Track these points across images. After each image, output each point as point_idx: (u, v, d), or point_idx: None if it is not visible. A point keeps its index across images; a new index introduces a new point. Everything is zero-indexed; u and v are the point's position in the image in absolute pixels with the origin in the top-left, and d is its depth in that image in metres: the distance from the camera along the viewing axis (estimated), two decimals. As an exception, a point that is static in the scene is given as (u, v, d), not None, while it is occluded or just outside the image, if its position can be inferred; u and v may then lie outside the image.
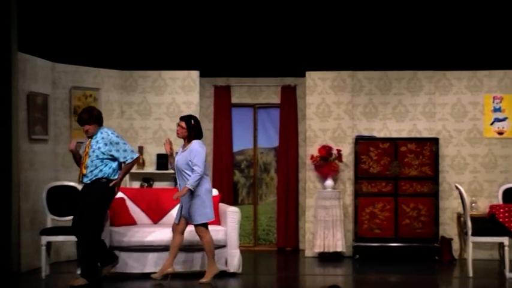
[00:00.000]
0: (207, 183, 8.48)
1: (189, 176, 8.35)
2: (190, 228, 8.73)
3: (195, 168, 8.32)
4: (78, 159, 8.42)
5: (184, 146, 8.54)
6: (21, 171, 9.24)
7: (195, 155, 8.35)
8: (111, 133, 8.40)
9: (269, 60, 11.36)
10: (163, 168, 10.73)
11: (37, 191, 9.44)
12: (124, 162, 8.37)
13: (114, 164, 8.34)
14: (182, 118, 8.57)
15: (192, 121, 8.52)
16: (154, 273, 8.55)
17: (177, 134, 8.56)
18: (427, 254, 10.44)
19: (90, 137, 8.34)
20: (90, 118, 8.30)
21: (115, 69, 10.95)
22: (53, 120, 10.07)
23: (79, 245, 8.35)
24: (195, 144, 8.45)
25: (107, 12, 10.85)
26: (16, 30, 9.02)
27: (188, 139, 8.50)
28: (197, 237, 8.65)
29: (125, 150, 8.35)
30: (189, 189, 8.32)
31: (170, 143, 8.62)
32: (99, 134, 8.34)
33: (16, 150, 9.02)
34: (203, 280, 8.45)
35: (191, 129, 8.48)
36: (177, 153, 8.64)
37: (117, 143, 8.33)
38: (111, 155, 8.30)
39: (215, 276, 8.56)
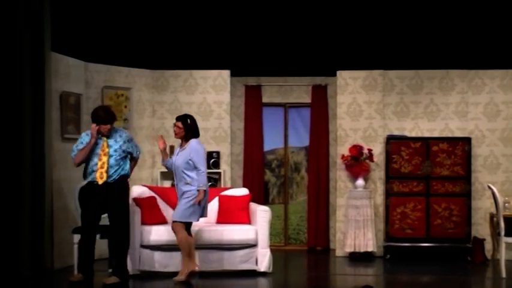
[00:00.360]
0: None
1: (188, 175, 8.36)
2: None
3: (198, 167, 8.34)
4: (88, 150, 8.30)
5: (181, 146, 8.55)
6: (54, 170, 9.34)
7: (196, 154, 8.37)
8: (125, 130, 8.62)
9: (300, 60, 11.34)
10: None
11: (69, 190, 9.52)
12: (136, 158, 8.57)
13: (129, 160, 8.50)
14: (178, 118, 8.57)
15: (188, 120, 8.52)
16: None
17: (175, 134, 8.58)
18: (459, 254, 10.36)
19: (106, 137, 8.34)
20: (111, 117, 8.32)
21: (146, 68, 11.02)
22: (86, 119, 10.13)
23: (88, 244, 8.37)
24: (194, 143, 8.46)
25: (139, 12, 10.92)
26: (49, 30, 9.11)
27: (185, 138, 8.52)
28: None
29: (136, 146, 8.60)
30: (204, 190, 8.35)
31: (162, 138, 8.61)
32: (115, 133, 8.39)
33: (49, 149, 9.11)
34: (176, 278, 8.36)
35: (188, 128, 8.48)
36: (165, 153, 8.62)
37: (132, 139, 8.56)
38: (129, 152, 8.45)
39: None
